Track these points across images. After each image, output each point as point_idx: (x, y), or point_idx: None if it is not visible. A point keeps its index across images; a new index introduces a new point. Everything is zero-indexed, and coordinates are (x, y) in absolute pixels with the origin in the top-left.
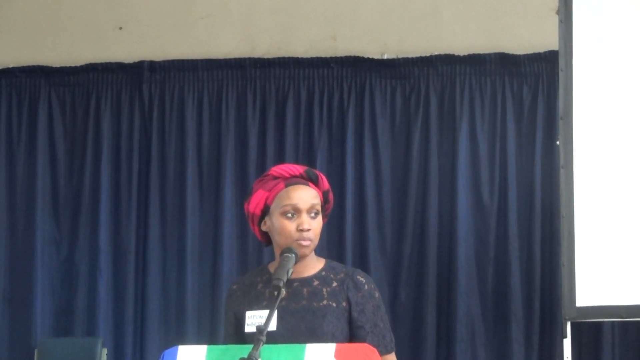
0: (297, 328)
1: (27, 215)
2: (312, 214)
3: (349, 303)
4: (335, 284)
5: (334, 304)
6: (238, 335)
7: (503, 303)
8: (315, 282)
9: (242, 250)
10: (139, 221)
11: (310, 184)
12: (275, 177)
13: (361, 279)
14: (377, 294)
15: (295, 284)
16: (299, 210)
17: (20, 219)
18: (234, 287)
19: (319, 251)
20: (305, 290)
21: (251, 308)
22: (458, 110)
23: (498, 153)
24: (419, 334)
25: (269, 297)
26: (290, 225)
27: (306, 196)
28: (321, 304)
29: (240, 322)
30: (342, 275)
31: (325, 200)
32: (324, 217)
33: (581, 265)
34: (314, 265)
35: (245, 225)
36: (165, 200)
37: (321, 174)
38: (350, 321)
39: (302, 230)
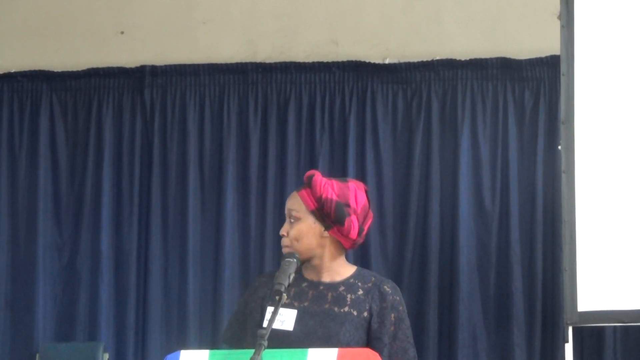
0: (314, 332)
1: (28, 220)
2: (291, 220)
3: (371, 314)
4: (361, 292)
5: (355, 313)
6: (244, 327)
7: (505, 308)
8: (341, 288)
9: (243, 255)
10: (141, 226)
11: (306, 190)
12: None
13: (388, 289)
14: (401, 307)
15: (320, 287)
16: (285, 215)
17: (22, 224)
18: (262, 279)
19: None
20: (329, 294)
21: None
22: (460, 115)
23: (499, 158)
24: (420, 339)
25: (289, 297)
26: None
27: (288, 203)
28: (342, 311)
29: (262, 312)
30: (369, 284)
31: (320, 207)
32: (327, 224)
33: (583, 270)
34: (342, 271)
35: (247, 230)
36: (166, 205)
37: (316, 180)
38: (369, 331)
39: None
